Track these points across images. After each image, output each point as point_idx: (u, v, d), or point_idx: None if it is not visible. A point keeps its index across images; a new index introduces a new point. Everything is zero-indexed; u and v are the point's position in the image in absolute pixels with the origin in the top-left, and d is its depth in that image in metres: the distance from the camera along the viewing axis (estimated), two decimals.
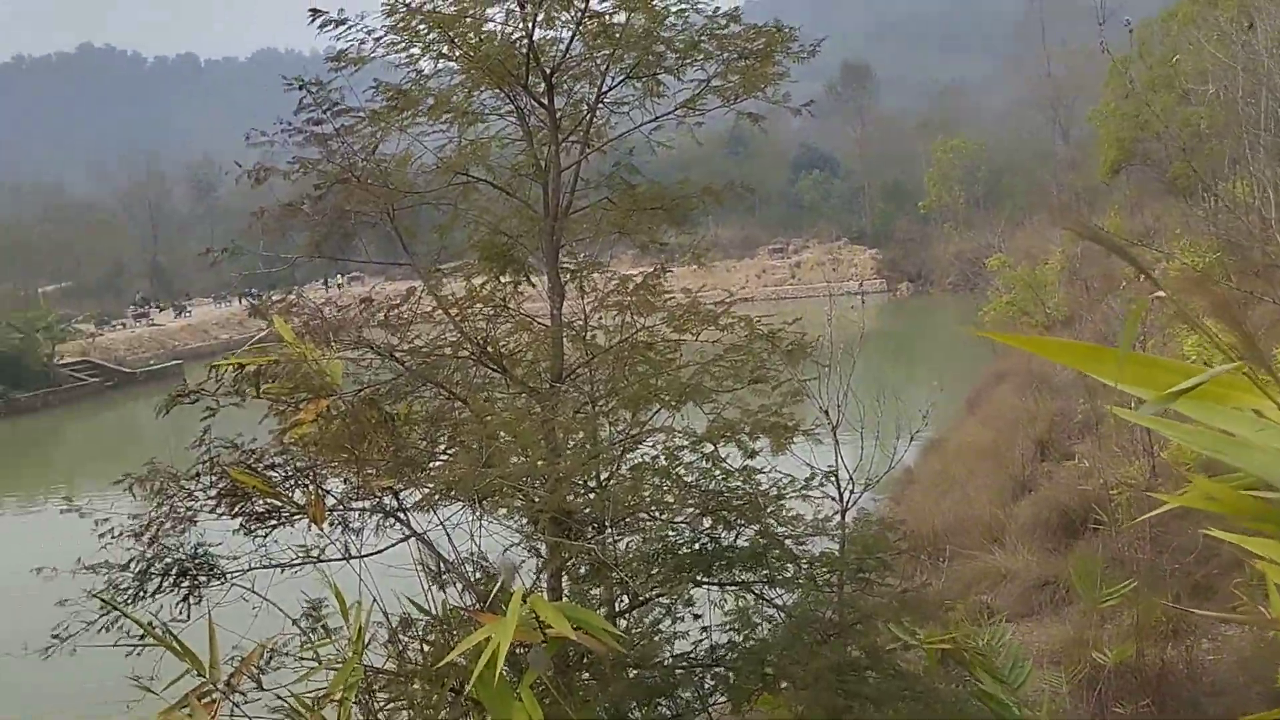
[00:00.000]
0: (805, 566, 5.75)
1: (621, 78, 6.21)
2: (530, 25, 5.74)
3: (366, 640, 5.65)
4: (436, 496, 5.56)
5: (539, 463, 5.59)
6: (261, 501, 5.80)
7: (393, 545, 6.11)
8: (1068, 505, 13.18)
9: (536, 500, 5.66)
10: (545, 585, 6.13)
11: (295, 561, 5.81)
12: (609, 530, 5.93)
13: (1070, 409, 17.15)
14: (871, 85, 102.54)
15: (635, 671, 5.55)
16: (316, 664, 5.35)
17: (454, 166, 5.91)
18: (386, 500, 6.16)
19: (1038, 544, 12.82)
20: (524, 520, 6.26)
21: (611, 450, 5.71)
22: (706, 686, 5.68)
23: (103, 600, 5.41)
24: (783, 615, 5.80)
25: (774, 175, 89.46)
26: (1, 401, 53.95)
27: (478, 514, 5.82)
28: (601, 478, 5.99)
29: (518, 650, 5.02)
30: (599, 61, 6.19)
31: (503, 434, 5.70)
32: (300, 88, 5.68)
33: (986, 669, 6.50)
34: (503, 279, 6.32)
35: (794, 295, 65.90)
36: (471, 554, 6.21)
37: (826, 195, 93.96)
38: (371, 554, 5.97)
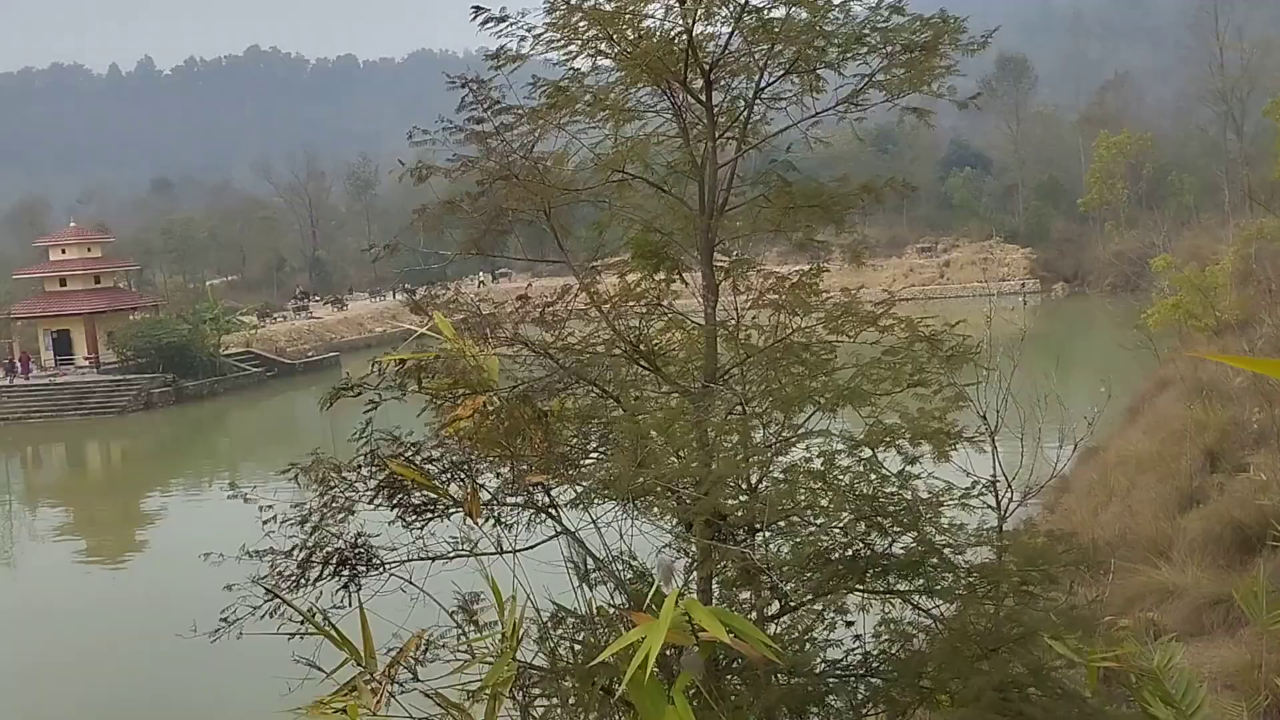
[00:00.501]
0: (965, 577, 5.54)
1: (780, 73, 6.09)
2: (690, 21, 5.67)
3: (519, 636, 5.69)
4: (591, 495, 5.55)
5: (692, 464, 5.53)
6: (419, 494, 5.90)
7: (544, 542, 6.14)
8: (1242, 520, 12.45)
9: (688, 501, 5.61)
10: (695, 588, 6.07)
11: (450, 555, 5.88)
12: (761, 534, 5.84)
13: (1244, 418, 16.24)
14: (1028, 79, 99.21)
15: (788, 679, 5.44)
16: (469, 658, 5.41)
17: (613, 164, 5.90)
18: (538, 496, 6.21)
19: (1208, 560, 12.14)
20: (674, 521, 6.22)
21: (767, 453, 5.61)
22: (860, 696, 5.53)
23: (266, 587, 5.58)
24: (940, 626, 5.60)
25: (922, 173, 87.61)
26: (171, 389, 56.81)
27: (630, 514, 5.80)
28: (753, 480, 5.89)
29: (668, 652, 4.97)
30: (757, 57, 6.08)
31: (655, 434, 5.66)
32: (462, 86, 5.73)
33: (1156, 692, 6.15)
34: (656, 276, 6.27)
35: (942, 295, 64.38)
36: (620, 553, 6.19)
37: (977, 193, 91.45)
38: (523, 549, 6.01)
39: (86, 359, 60.85)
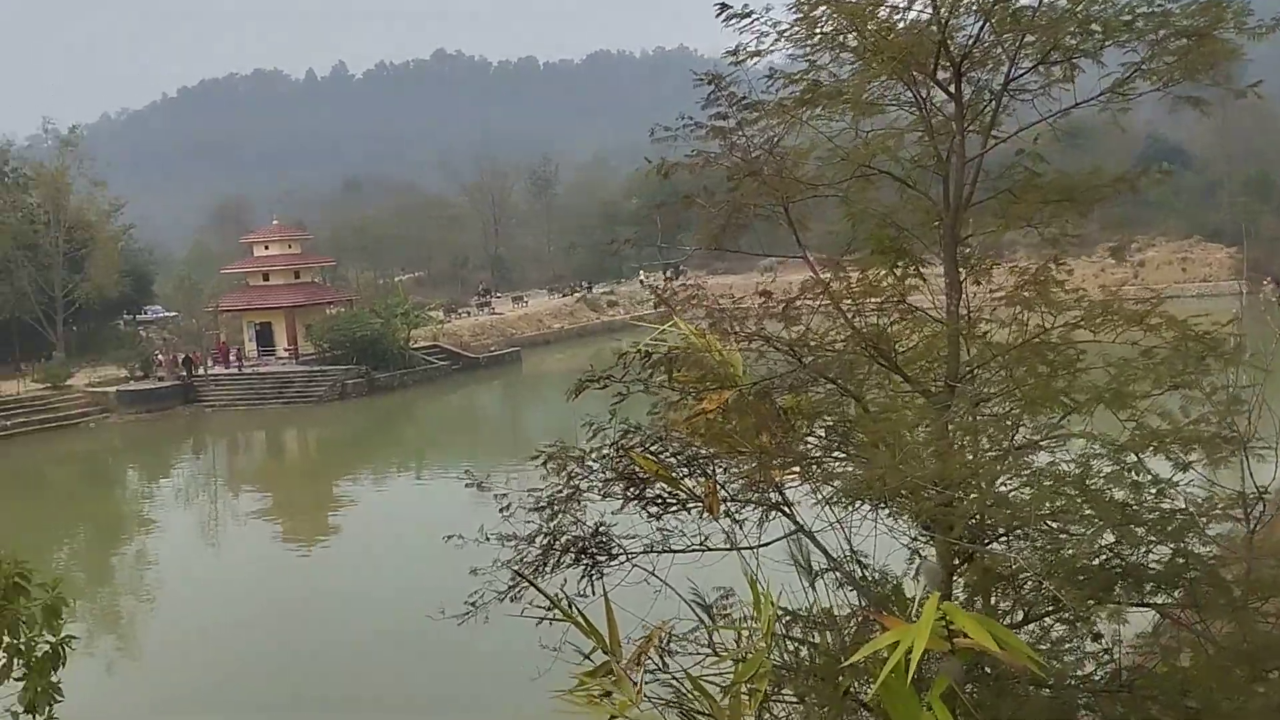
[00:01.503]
0: (1239, 592, 5.23)
1: (1031, 64, 5.89)
2: (944, 13, 5.54)
3: (756, 633, 5.67)
4: (836, 495, 5.48)
5: (936, 465, 5.40)
6: (658, 486, 5.95)
7: (778, 540, 6.11)
8: None
9: (930, 504, 5.48)
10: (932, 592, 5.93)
11: (689, 549, 5.92)
12: (1005, 539, 5.66)
13: None
14: (1238, 66, 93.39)
15: (1037, 690, 5.25)
16: (712, 652, 5.43)
17: (859, 159, 5.82)
18: (772, 493, 6.18)
19: None
20: (911, 522, 6.09)
21: (1016, 455, 5.43)
22: (1117, 712, 5.29)
23: (515, 570, 5.72)
24: (1207, 644, 5.31)
25: (1113, 168, 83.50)
26: (364, 380, 59.30)
27: (869, 515, 5.71)
28: (998, 484, 5.71)
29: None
30: (1007, 47, 5.90)
31: (904, 434, 5.56)
32: (709, 83, 5.75)
33: None
34: (896, 273, 6.16)
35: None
36: (852, 553, 6.10)
37: (1176, 190, 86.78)
38: (756, 546, 6.00)
39: (286, 350, 64.17)
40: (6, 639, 6.88)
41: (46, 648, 6.99)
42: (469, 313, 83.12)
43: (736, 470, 6.02)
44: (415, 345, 65.41)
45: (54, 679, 6.99)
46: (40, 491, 44.71)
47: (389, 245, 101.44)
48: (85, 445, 52.69)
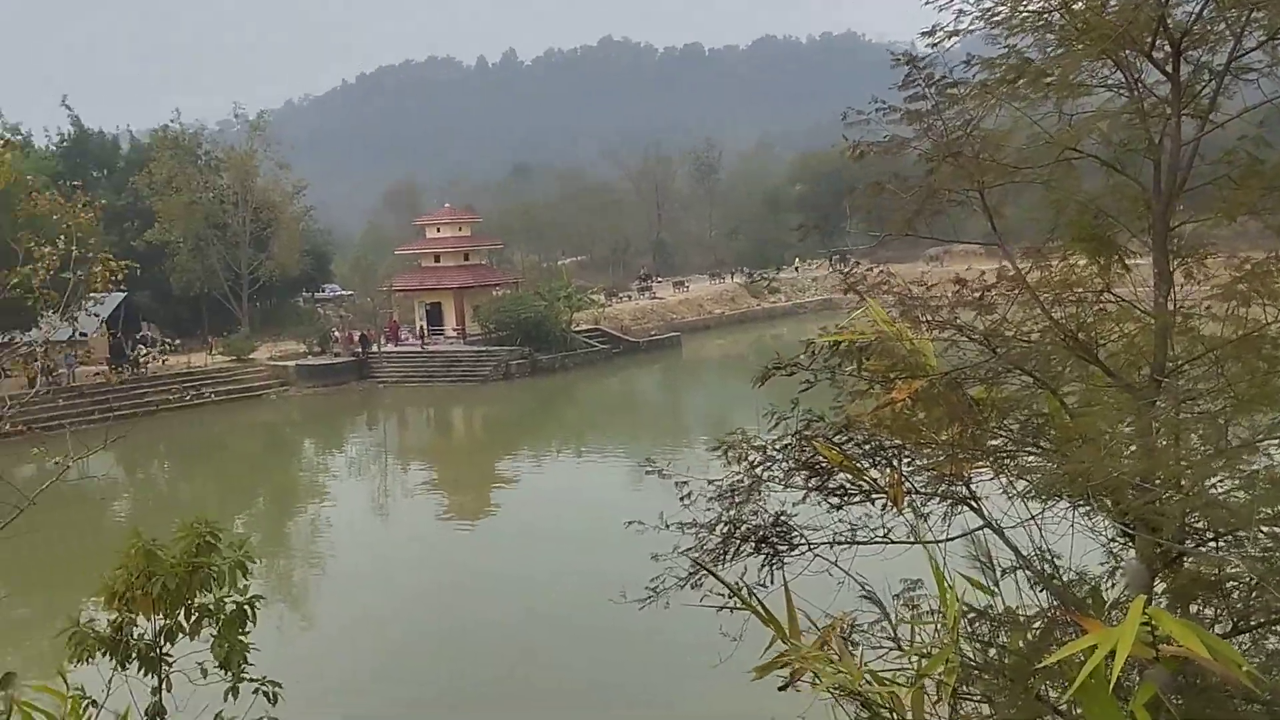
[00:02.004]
0: None
1: (1261, 40, 5.51)
2: None
3: (940, 629, 5.52)
4: (1029, 491, 5.28)
5: (1142, 462, 5.13)
6: (841, 477, 5.85)
7: (964, 535, 5.93)
8: None
9: (1135, 503, 5.21)
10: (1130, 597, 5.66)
11: (870, 540, 5.80)
12: (1215, 543, 5.35)
13: None
14: None
15: (1248, 705, 4.95)
16: (895, 646, 5.32)
17: (1064, 142, 5.56)
18: (958, 487, 5.99)
19: None
20: (1109, 522, 5.83)
21: (1230, 455, 5.11)
22: None
23: (694, 560, 5.71)
24: None
25: None
26: (527, 361, 60.52)
27: (1067, 513, 5.48)
28: (1208, 485, 5.39)
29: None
30: (1232, 23, 5.54)
31: (1098, 430, 5.30)
32: (905, 63, 5.59)
33: None
34: (1099, 262, 5.87)
35: None
36: (1046, 552, 5.88)
37: None
38: (944, 540, 5.84)
39: (454, 330, 66.01)
40: (198, 597, 7.26)
41: (234, 606, 7.35)
42: (630, 297, 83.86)
43: (922, 462, 5.87)
44: (577, 328, 66.39)
45: (242, 637, 7.33)
46: (225, 458, 47.25)
47: (553, 229, 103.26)
48: (266, 416, 55.35)
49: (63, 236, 8.73)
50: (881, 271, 6.00)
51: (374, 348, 63.15)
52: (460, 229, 69.26)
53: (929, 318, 5.50)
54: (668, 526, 5.90)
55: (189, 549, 6.89)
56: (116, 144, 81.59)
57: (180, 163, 69.30)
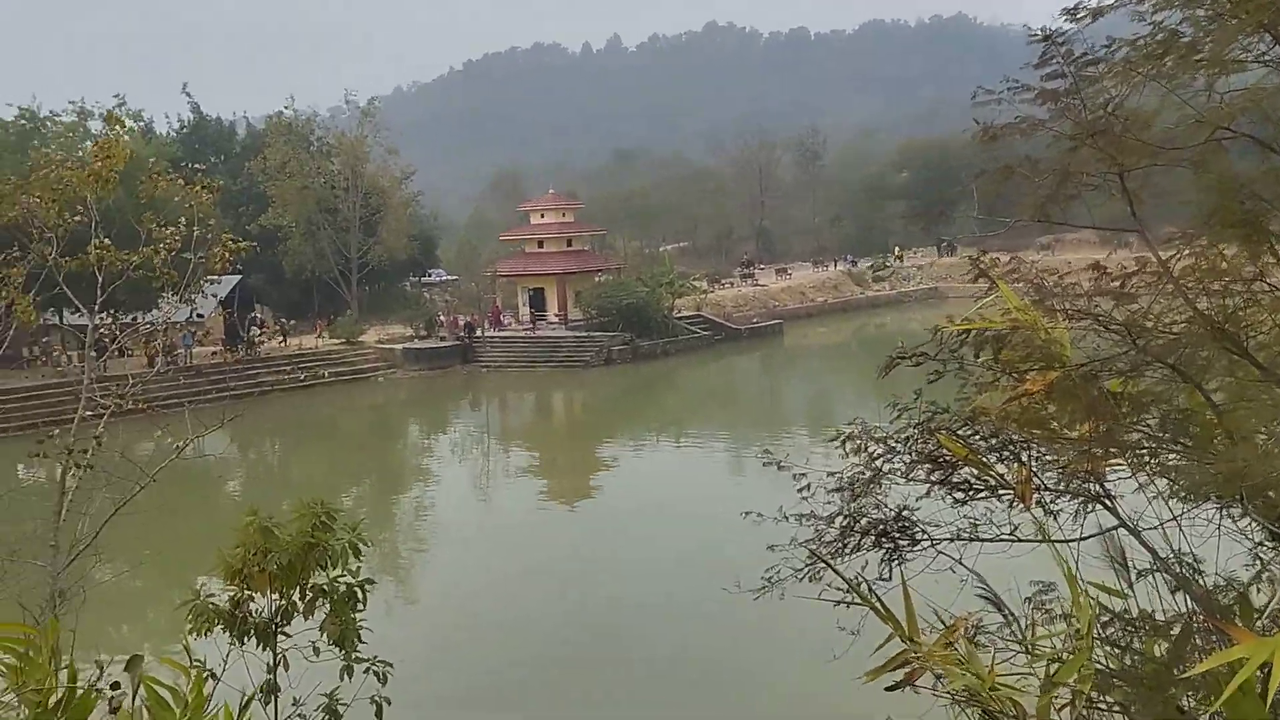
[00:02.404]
0: None
1: None
2: None
3: (1071, 633, 5.28)
4: (1171, 490, 5.01)
5: None
6: (966, 471, 5.64)
7: (1097, 534, 5.67)
8: None
9: None
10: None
11: (996, 538, 5.58)
12: None
13: None
14: None
15: None
16: (1022, 649, 5.10)
17: (1216, 121, 5.24)
18: (1091, 484, 5.73)
19: None
20: (1252, 524, 5.51)
21: None
22: None
23: (812, 550, 5.56)
24: None
25: None
26: (629, 347, 60.66)
27: (1212, 515, 5.19)
28: None
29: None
30: None
31: (1251, 428, 5.00)
32: (1044, 40, 5.32)
33: None
34: (1250, 249, 5.53)
35: None
36: (1187, 554, 5.59)
37: None
38: (1076, 540, 5.59)
39: (557, 316, 66.47)
40: (312, 577, 7.35)
41: (345, 587, 7.42)
42: (732, 283, 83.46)
43: (1053, 458, 5.62)
44: (679, 314, 66.32)
45: (355, 618, 7.41)
46: (333, 438, 48.34)
47: (656, 215, 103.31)
48: (374, 397, 56.46)
49: (183, 219, 8.91)
50: (1013, 258, 5.75)
51: (478, 332, 63.96)
52: (563, 215, 69.65)
53: (1065, 306, 5.25)
54: (786, 518, 5.76)
55: (305, 528, 6.97)
56: (233, 130, 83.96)
57: (293, 148, 70.98)
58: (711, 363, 63.22)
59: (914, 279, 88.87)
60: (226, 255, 8.38)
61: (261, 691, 7.51)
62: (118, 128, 8.20)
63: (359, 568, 7.26)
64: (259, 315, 64.19)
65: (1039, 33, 5.46)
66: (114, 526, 8.87)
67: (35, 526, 8.80)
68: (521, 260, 69.31)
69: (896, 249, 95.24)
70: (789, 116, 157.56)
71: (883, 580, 5.51)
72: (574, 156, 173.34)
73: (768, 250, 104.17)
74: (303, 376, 52.21)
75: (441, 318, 66.88)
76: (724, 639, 18.79)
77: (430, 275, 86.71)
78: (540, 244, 68.54)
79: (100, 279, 8.00)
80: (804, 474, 5.91)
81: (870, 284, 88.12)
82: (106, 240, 7.88)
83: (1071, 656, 4.62)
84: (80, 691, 4.90)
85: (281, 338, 61.09)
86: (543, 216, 69.43)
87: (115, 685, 5.39)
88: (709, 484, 33.95)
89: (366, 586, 7.28)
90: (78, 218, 7.80)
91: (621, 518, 30.05)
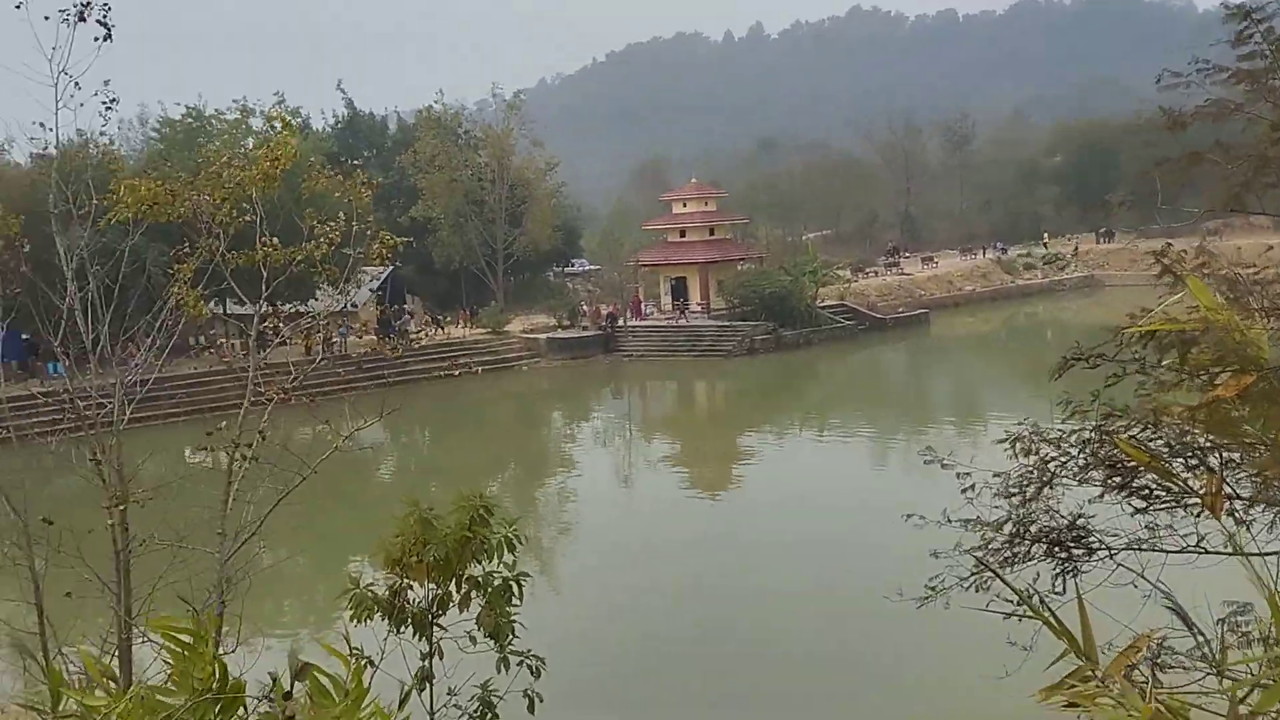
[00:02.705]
0: None
1: None
2: None
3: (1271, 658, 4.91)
4: None
5: None
6: (1147, 478, 5.30)
7: None
8: None
9: None
10: None
11: (1182, 550, 5.24)
12: None
13: None
14: None
15: None
16: (1214, 672, 4.75)
17: None
18: None
19: None
20: None
21: None
22: None
23: (978, 559, 5.31)
24: None
25: None
26: (771, 337, 60.16)
27: None
28: None
29: None
30: None
31: None
32: (1243, 18, 4.95)
33: None
34: None
35: None
36: None
37: None
38: (1270, 553, 5.19)
39: (699, 305, 66.35)
40: (469, 569, 7.42)
41: (501, 580, 7.47)
42: (876, 272, 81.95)
43: (1247, 466, 5.24)
44: (822, 304, 65.43)
45: (510, 611, 7.45)
46: (479, 426, 49.35)
47: (799, 203, 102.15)
48: (518, 386, 57.38)
49: (342, 213, 9.11)
50: (1199, 249, 5.38)
51: (620, 322, 64.35)
52: (706, 204, 69.44)
53: (1265, 303, 4.87)
54: (949, 521, 5.53)
55: (462, 521, 7.04)
56: (384, 125, 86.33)
57: (442, 142, 72.56)
58: (855, 353, 62.23)
59: (1069, 266, 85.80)
60: (385, 251, 8.54)
61: (417, 679, 7.64)
62: (285, 130, 8.44)
63: (514, 561, 7.30)
64: (410, 306, 65.94)
65: (1235, 9, 5.08)
66: (273, 513, 9.16)
67: (201, 512, 9.14)
68: (664, 250, 69.39)
69: (1045, 236, 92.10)
70: (936, 101, 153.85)
71: (1056, 594, 5.22)
72: (717, 145, 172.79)
73: (913, 238, 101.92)
74: (459, 371, 53.24)
75: (584, 307, 67.55)
76: (881, 641, 18.40)
77: (573, 265, 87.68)
78: (682, 233, 68.49)
79: (265, 273, 8.23)
80: (968, 473, 5.66)
81: (1021, 272, 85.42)
82: (274, 239, 8.12)
83: (1272, 684, 4.27)
84: (239, 679, 5.01)
85: (438, 328, 62.62)
86: (685, 206, 69.35)
87: (295, 670, 5.51)
88: (852, 477, 33.41)
89: (522, 580, 7.32)
90: (246, 216, 8.06)
91: (764, 507, 29.82)
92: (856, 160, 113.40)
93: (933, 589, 5.44)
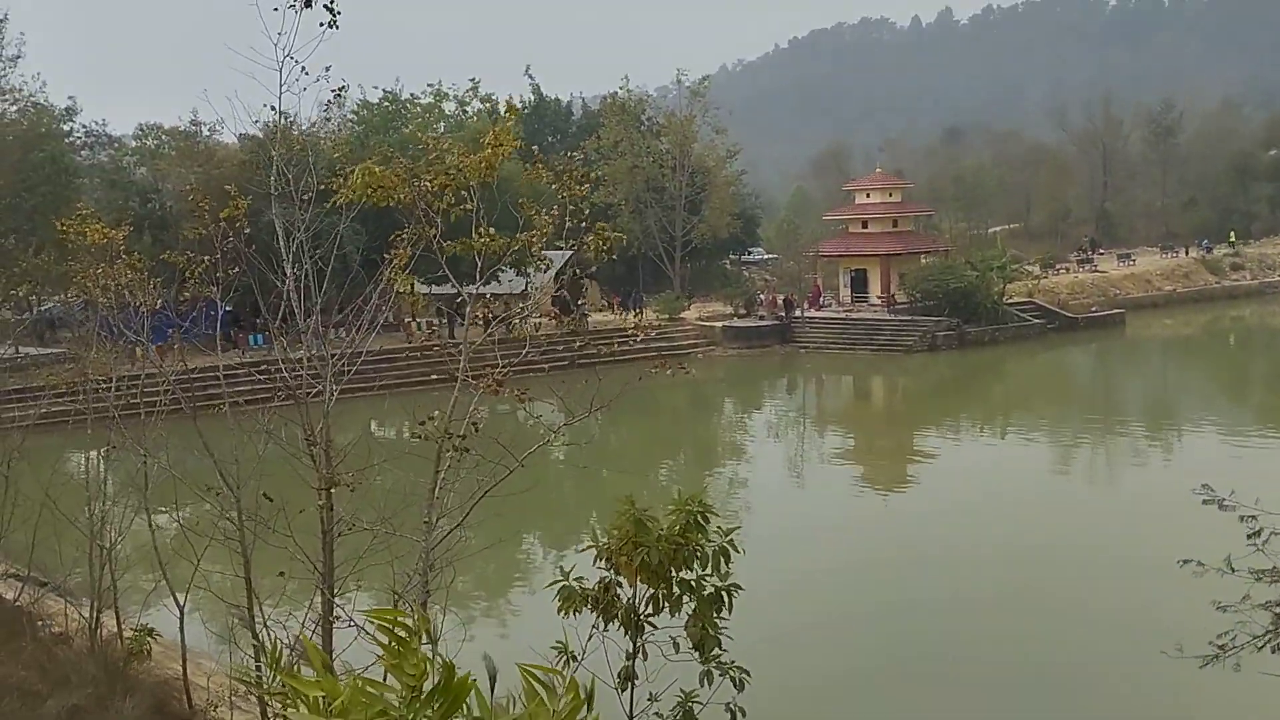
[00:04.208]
0: None
1: None
2: None
3: None
4: None
5: None
6: None
7: None
8: None
9: None
10: None
11: None
12: None
13: None
14: None
15: None
16: None
17: None
18: None
19: None
20: None
21: None
22: None
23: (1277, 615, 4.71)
24: None
25: None
26: (955, 333, 58.28)
27: None
28: None
29: None
30: None
31: None
32: None
33: None
34: None
35: None
36: None
37: None
38: None
39: (879, 298, 64.85)
40: (681, 574, 7.15)
41: (712, 589, 7.17)
42: (1067, 269, 78.39)
43: None
44: (1009, 300, 62.95)
45: (718, 621, 7.14)
46: (653, 412, 49.41)
47: (985, 195, 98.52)
48: (693, 373, 57.32)
49: (554, 207, 9.00)
50: None
51: (797, 312, 63.51)
52: (890, 195, 67.74)
53: None
54: (1231, 570, 4.93)
55: (677, 525, 6.79)
56: (569, 111, 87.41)
57: (626, 128, 72.94)
58: (1044, 353, 59.70)
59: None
60: (601, 246, 8.37)
61: (620, 679, 7.44)
62: (511, 115, 8.37)
63: (728, 571, 7.00)
64: (588, 289, 66.59)
65: None
66: (461, 493, 9.09)
67: (399, 495, 9.17)
68: (844, 240, 68.07)
69: (1232, 234, 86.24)
70: (1136, 89, 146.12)
71: None
72: (901, 134, 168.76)
73: (1108, 234, 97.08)
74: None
75: (761, 296, 66.90)
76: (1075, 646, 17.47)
77: (750, 253, 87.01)
78: (865, 224, 67.00)
79: (480, 261, 8.17)
80: (1252, 516, 5.03)
81: (1228, 272, 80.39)
82: (491, 229, 8.06)
83: None
84: (456, 676, 4.87)
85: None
86: (869, 196, 67.80)
87: (491, 674, 5.36)
88: (1033, 480, 31.98)
89: (734, 591, 7.02)
90: (465, 205, 8.01)
91: (941, 509, 28.86)
92: (1050, 151, 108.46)
93: (1221, 647, 4.83)
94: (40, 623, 14.98)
